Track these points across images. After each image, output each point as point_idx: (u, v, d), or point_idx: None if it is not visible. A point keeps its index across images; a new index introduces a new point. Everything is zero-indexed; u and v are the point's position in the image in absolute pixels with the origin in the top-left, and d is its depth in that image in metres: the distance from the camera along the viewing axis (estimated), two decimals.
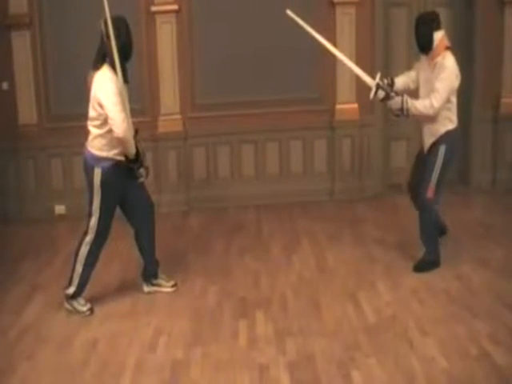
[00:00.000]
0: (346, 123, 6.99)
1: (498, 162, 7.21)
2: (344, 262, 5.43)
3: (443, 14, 7.08)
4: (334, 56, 5.36)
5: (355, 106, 6.92)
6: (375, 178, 7.16)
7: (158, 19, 6.76)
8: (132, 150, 4.49)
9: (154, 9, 6.72)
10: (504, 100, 7.08)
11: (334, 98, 6.98)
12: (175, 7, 6.74)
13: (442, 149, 4.96)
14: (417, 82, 5.11)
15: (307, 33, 5.04)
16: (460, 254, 5.43)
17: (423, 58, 5.02)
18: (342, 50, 6.67)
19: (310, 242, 5.91)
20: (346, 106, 6.96)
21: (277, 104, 6.94)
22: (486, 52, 7.02)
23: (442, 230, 5.39)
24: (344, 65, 5.28)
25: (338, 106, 6.99)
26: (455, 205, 6.72)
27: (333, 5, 6.81)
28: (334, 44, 6.71)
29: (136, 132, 4.56)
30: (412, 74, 5.15)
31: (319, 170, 7.17)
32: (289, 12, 5.01)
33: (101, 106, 4.39)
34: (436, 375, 3.71)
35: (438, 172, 4.97)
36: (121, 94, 4.38)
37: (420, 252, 5.21)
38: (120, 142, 4.42)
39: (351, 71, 5.31)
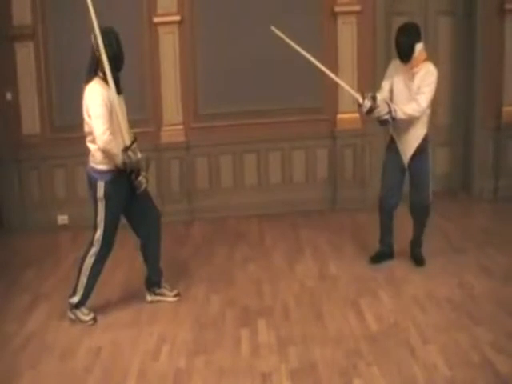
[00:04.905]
0: (347, 133, 7.02)
1: (499, 170, 7.22)
2: (346, 270, 5.44)
3: (444, 23, 7.22)
4: (333, 71, 5.43)
5: (357, 115, 6.92)
6: (377, 186, 7.15)
7: (161, 30, 6.80)
8: (117, 161, 4.49)
9: (156, 20, 6.76)
10: (506, 108, 7.10)
11: (336, 108, 7.00)
12: (178, 18, 6.78)
13: (429, 151, 5.23)
14: (389, 94, 5.18)
15: (293, 49, 5.10)
16: (462, 261, 5.45)
17: (399, 66, 5.10)
18: (343, 60, 6.85)
19: (312, 251, 5.92)
20: (348, 116, 6.99)
21: (279, 114, 6.97)
22: (487, 60, 7.04)
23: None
24: (331, 78, 5.35)
25: (340, 116, 7.02)
26: (457, 213, 6.77)
27: (334, 14, 6.85)
28: (336, 53, 6.83)
29: (133, 141, 4.59)
30: (385, 90, 5.18)
31: (321, 179, 7.19)
32: (273, 28, 5.11)
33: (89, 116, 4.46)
34: (438, 383, 3.71)
35: (430, 174, 5.24)
36: (107, 106, 4.41)
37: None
38: (102, 152, 4.47)
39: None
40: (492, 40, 7.00)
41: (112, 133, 4.43)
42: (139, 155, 4.57)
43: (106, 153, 4.46)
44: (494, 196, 7.23)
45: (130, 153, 4.51)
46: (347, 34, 6.90)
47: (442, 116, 7.21)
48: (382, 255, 5.54)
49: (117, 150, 4.47)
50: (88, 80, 4.50)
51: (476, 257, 5.52)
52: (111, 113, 4.44)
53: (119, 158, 4.49)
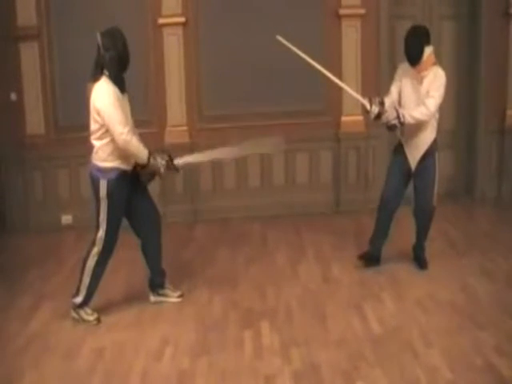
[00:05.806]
0: (351, 135, 7.02)
1: (503, 174, 7.22)
2: (349, 272, 5.44)
3: (448, 27, 7.22)
4: (337, 74, 5.42)
5: (361, 118, 6.93)
6: (380, 189, 7.15)
7: (165, 31, 6.80)
8: (139, 159, 4.54)
9: (161, 21, 6.77)
10: (509, 112, 7.11)
11: (340, 110, 7.00)
12: (182, 20, 6.79)
13: (436, 156, 5.24)
14: (398, 98, 5.17)
15: (300, 57, 5.09)
16: (465, 265, 5.46)
17: (408, 69, 5.09)
18: (347, 62, 6.84)
19: (315, 253, 5.92)
20: (352, 118, 6.99)
21: (283, 116, 6.96)
22: (491, 64, 7.05)
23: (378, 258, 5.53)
24: (339, 85, 5.35)
25: (344, 118, 7.02)
26: (460, 216, 6.77)
27: (338, 17, 6.85)
28: (339, 56, 6.83)
29: (169, 157, 4.68)
30: (393, 94, 5.17)
31: (325, 182, 7.19)
32: (279, 37, 5.09)
33: (99, 115, 4.44)
34: None
35: (437, 179, 5.23)
36: (120, 103, 4.44)
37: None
38: (123, 151, 4.49)
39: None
40: (496, 44, 7.00)
41: (129, 130, 4.44)
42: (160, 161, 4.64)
43: (126, 151, 4.47)
44: (497, 199, 7.23)
45: (161, 160, 4.61)
46: (351, 37, 6.90)
47: (445, 119, 7.19)
48: (370, 257, 5.49)
49: (136, 147, 4.48)
50: (95, 79, 4.49)
51: (479, 260, 5.52)
52: (123, 108, 4.46)
53: (143, 155, 4.52)
